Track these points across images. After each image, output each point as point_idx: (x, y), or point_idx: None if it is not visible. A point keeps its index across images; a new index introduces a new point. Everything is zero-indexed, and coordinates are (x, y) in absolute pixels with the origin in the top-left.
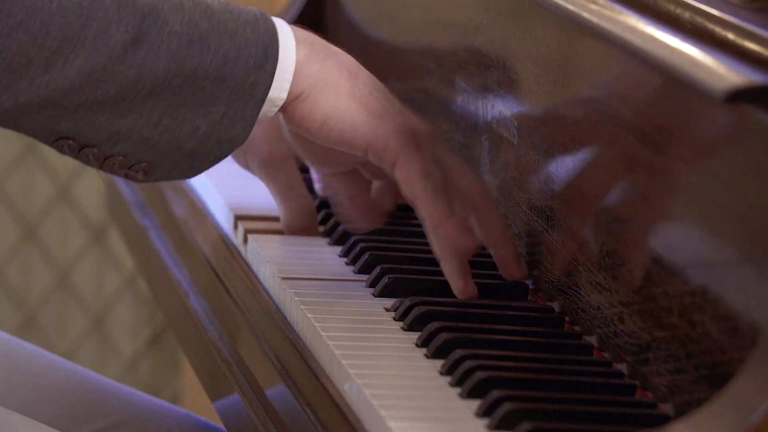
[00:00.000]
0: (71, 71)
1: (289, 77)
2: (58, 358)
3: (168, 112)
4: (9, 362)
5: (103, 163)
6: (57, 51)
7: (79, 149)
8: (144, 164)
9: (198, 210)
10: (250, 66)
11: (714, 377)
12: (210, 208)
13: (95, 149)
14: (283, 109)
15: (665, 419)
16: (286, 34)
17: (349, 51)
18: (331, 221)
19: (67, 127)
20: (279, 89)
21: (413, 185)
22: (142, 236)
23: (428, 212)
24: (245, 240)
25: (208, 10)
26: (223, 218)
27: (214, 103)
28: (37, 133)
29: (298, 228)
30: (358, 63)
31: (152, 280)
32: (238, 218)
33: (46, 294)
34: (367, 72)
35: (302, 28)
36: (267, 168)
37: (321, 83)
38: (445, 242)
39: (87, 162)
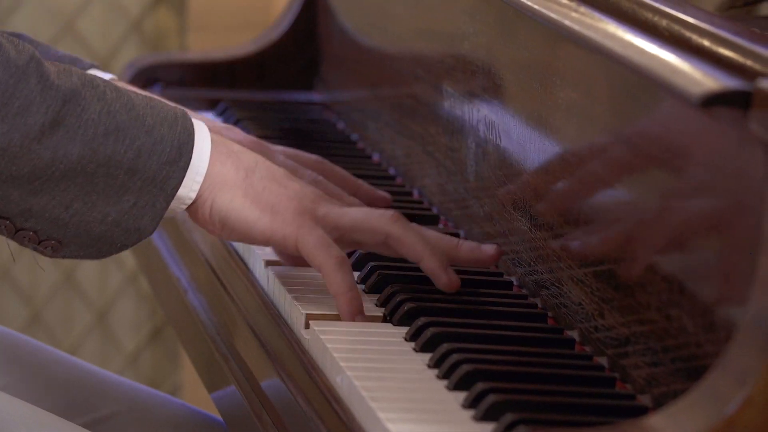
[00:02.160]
0: None
1: (200, 178)
2: (61, 352)
3: (79, 196)
4: (15, 356)
5: (15, 234)
6: None
7: None
8: (53, 242)
9: None
10: (163, 161)
11: (690, 370)
12: None
13: (7, 221)
14: (188, 211)
15: (644, 410)
16: (203, 134)
17: (342, 58)
18: None
19: None
20: (189, 188)
21: (315, 260)
22: None
23: (329, 282)
24: None
25: (130, 103)
26: None
27: (125, 193)
28: None
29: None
30: (256, 157)
31: (153, 278)
32: None
33: (52, 292)
34: (264, 163)
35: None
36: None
37: (219, 186)
38: (339, 310)
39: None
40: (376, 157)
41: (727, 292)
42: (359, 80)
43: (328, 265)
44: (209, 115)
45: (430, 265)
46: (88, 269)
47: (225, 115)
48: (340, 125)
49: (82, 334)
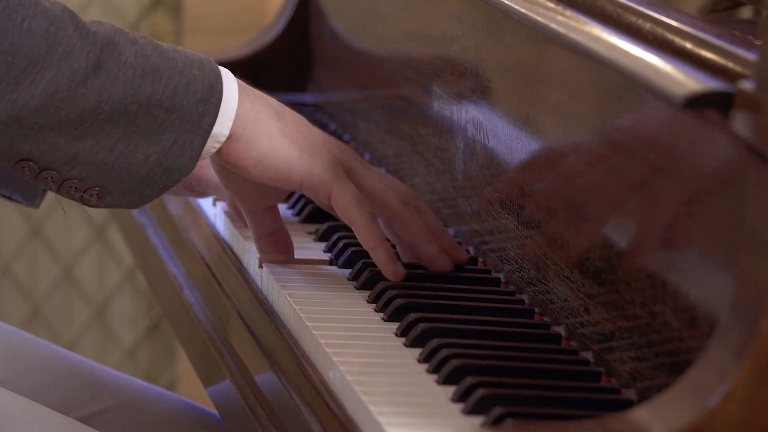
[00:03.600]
0: (38, 90)
1: (232, 115)
2: (59, 348)
3: (123, 138)
4: (14, 352)
5: (60, 186)
6: (25, 70)
7: (38, 171)
8: (98, 189)
9: (192, 209)
10: (197, 99)
11: (674, 364)
12: (203, 208)
13: (54, 172)
14: (219, 150)
15: (628, 404)
16: (229, 77)
17: (334, 60)
18: (306, 208)
19: (30, 149)
20: (222, 125)
21: (349, 213)
22: (140, 233)
23: (363, 238)
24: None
25: (159, 48)
26: (216, 217)
27: (165, 132)
28: (1, 153)
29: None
30: (281, 103)
31: (150, 274)
32: (229, 215)
33: (52, 287)
34: (291, 110)
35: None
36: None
37: (253, 123)
38: (377, 262)
39: (45, 185)
40: (367, 157)
41: (710, 288)
42: (351, 82)
43: (363, 219)
44: None
45: (424, 251)
46: (86, 266)
47: None
48: (332, 126)
49: (81, 329)
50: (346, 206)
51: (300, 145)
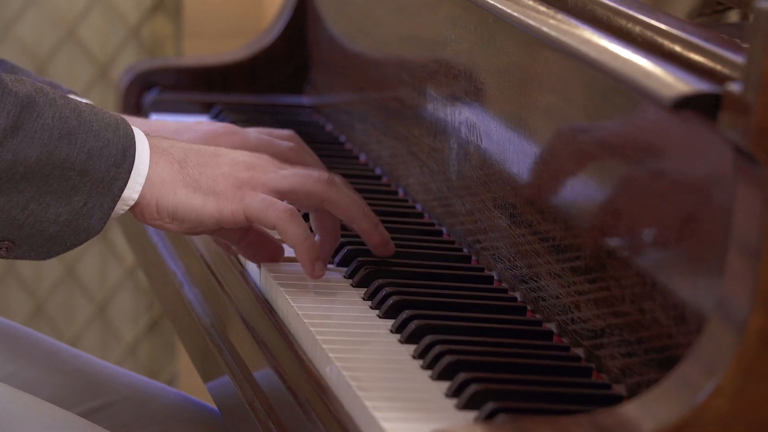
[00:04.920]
0: None
1: (142, 180)
2: (62, 344)
3: (35, 197)
4: (17, 348)
5: None
6: None
7: None
8: (7, 243)
9: None
10: (110, 163)
11: (663, 360)
12: None
13: None
14: (134, 212)
15: (619, 399)
16: (141, 139)
17: (330, 63)
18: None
19: None
20: (132, 189)
21: (265, 221)
22: (141, 232)
23: (285, 237)
24: None
25: (77, 109)
26: None
27: (77, 193)
28: None
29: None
30: (184, 146)
31: (150, 272)
32: None
33: (55, 285)
34: (194, 149)
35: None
36: None
37: (159, 184)
38: (303, 257)
39: None
40: (363, 158)
41: (698, 286)
42: (347, 84)
43: (280, 220)
44: (203, 118)
45: (363, 225)
46: (89, 264)
47: (219, 117)
48: (329, 127)
49: (83, 325)
50: (259, 217)
51: (203, 189)
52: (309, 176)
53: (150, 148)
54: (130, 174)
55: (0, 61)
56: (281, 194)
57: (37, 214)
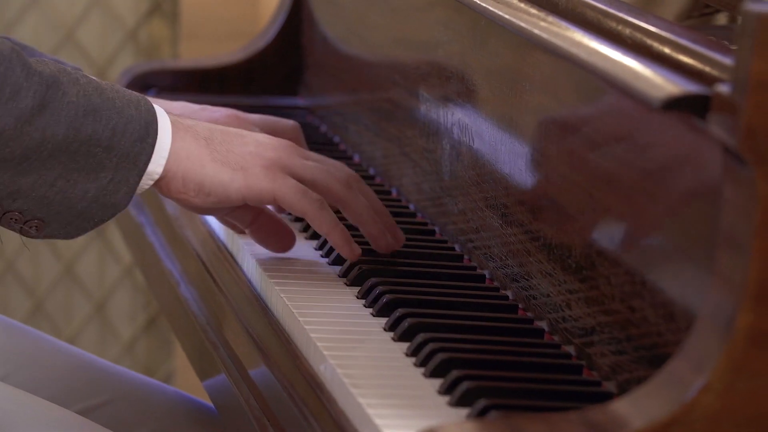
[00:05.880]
0: None
1: (165, 153)
2: (60, 342)
3: (63, 174)
4: (15, 346)
5: (1, 217)
6: None
7: None
8: (37, 221)
9: None
10: (134, 138)
11: (652, 358)
12: None
13: None
14: (159, 186)
15: (609, 396)
16: (163, 115)
17: (324, 65)
18: None
19: None
20: (156, 164)
21: (297, 207)
22: (138, 232)
23: (317, 225)
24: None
25: (99, 88)
26: (211, 216)
27: (103, 169)
28: None
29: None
30: (209, 126)
31: (147, 271)
32: None
33: (54, 283)
34: (219, 128)
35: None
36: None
37: (185, 158)
38: (334, 245)
39: None
40: (356, 158)
41: (687, 284)
42: (341, 86)
43: (312, 208)
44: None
45: (372, 230)
46: (87, 263)
47: None
48: (323, 128)
49: (82, 323)
50: (291, 202)
51: (232, 164)
52: (331, 174)
53: (172, 123)
54: (153, 148)
55: (23, 47)
56: (302, 182)
57: (65, 191)
